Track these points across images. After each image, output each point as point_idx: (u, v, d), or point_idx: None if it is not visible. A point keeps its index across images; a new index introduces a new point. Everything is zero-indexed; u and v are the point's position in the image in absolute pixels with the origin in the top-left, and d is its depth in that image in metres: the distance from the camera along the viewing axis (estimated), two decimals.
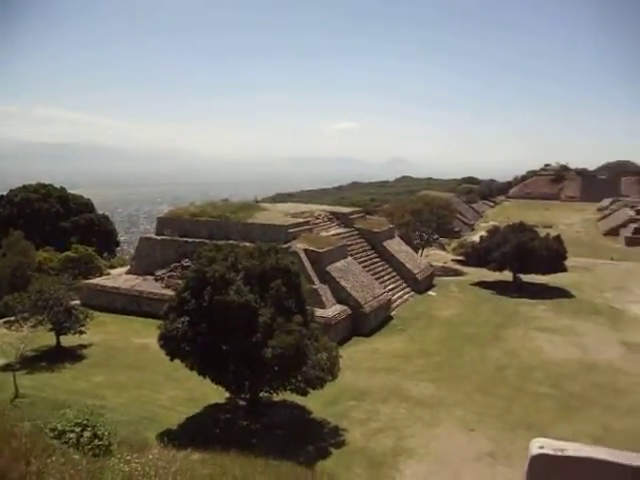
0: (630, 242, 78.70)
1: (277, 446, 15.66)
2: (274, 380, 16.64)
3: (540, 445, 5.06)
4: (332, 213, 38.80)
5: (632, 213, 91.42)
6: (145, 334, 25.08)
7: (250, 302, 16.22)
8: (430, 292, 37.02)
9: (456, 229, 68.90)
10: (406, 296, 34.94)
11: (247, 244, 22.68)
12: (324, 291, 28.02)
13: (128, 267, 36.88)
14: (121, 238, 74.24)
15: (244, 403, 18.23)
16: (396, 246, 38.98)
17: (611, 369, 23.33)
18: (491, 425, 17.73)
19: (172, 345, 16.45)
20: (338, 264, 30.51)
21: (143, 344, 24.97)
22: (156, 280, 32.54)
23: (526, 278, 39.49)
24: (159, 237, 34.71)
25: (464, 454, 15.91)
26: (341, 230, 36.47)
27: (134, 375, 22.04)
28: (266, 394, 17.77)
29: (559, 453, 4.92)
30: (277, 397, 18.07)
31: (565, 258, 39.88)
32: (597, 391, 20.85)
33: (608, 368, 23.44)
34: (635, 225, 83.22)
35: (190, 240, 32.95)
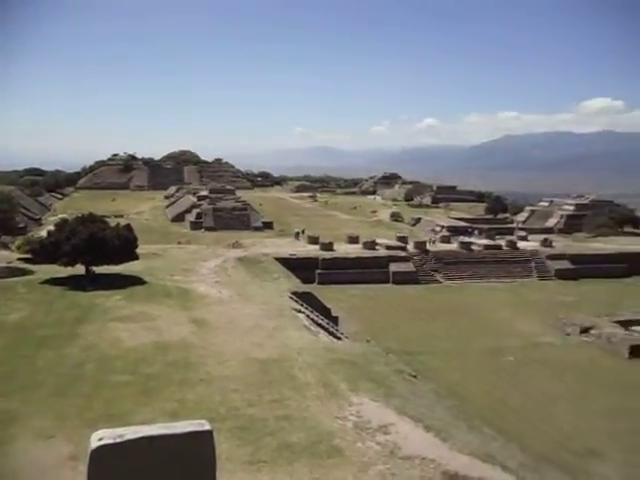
0: (194, 226, 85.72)
1: None
2: None
3: (100, 437, 5.10)
4: None
5: (195, 199, 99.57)
6: None
7: None
8: None
9: (21, 225, 64.38)
10: None
11: None
12: None
13: None
14: None
15: None
16: None
17: (183, 346, 25.08)
18: (72, 427, 17.16)
19: None
20: None
21: None
22: None
23: (100, 269, 39.28)
24: None
25: (44, 465, 15.04)
26: None
27: None
28: None
29: (119, 440, 5.06)
30: None
31: (136, 246, 41.07)
32: (172, 369, 22.15)
33: (181, 345, 25.14)
34: (198, 210, 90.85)
35: None
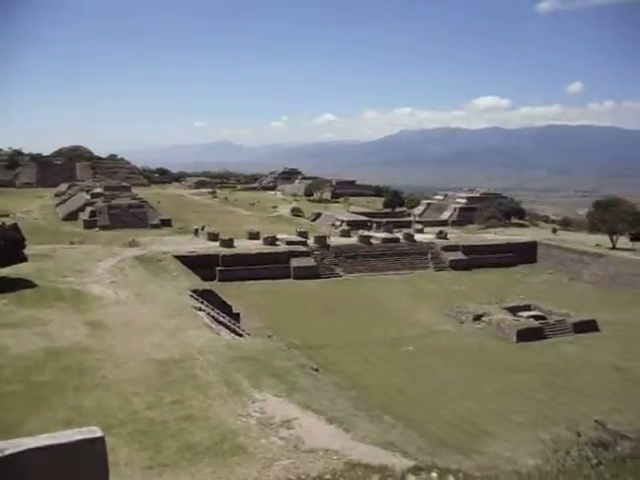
0: (88, 225, 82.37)
1: None
2: None
3: None
4: None
5: (88, 197, 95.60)
6: None
7: None
8: None
9: None
10: None
11: None
12: None
13: None
14: None
15: None
16: None
17: (78, 350, 24.02)
18: None
19: None
20: None
21: None
22: None
23: None
24: None
25: None
26: None
27: None
28: None
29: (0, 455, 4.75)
30: None
31: (24, 247, 38.93)
32: (66, 375, 21.16)
33: (75, 350, 24.06)
34: (91, 208, 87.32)
35: None
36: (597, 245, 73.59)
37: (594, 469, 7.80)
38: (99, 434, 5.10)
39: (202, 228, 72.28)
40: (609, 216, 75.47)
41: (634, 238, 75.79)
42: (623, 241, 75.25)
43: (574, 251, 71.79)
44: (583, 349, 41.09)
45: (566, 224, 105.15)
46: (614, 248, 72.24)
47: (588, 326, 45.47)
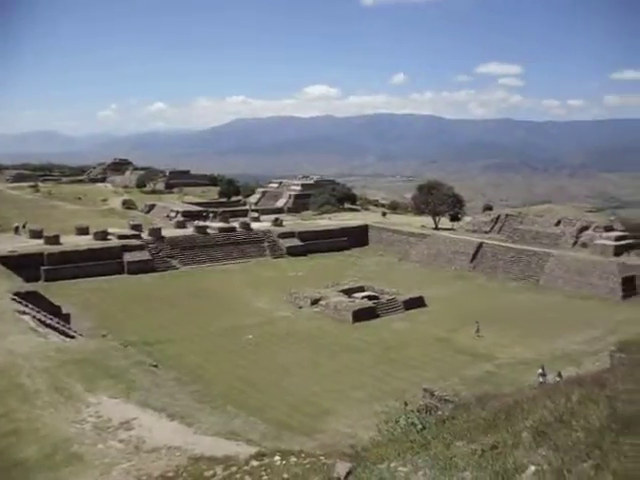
0: None
1: None
2: None
3: None
4: None
5: None
6: None
7: None
8: None
9: None
10: None
11: None
12: None
13: None
14: None
15: None
16: None
17: None
18: None
19: None
20: None
21: None
22: None
23: None
24: None
25: None
26: None
27: None
28: None
29: None
30: None
31: None
32: None
33: None
34: None
35: None
36: (422, 226, 79.05)
37: (419, 433, 8.45)
38: None
39: (23, 225, 66.98)
40: (431, 199, 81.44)
41: (453, 218, 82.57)
42: (444, 221, 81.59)
43: (402, 233, 76.53)
44: (412, 324, 44.02)
45: (394, 207, 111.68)
46: (436, 228, 78.08)
47: (416, 302, 48.82)
